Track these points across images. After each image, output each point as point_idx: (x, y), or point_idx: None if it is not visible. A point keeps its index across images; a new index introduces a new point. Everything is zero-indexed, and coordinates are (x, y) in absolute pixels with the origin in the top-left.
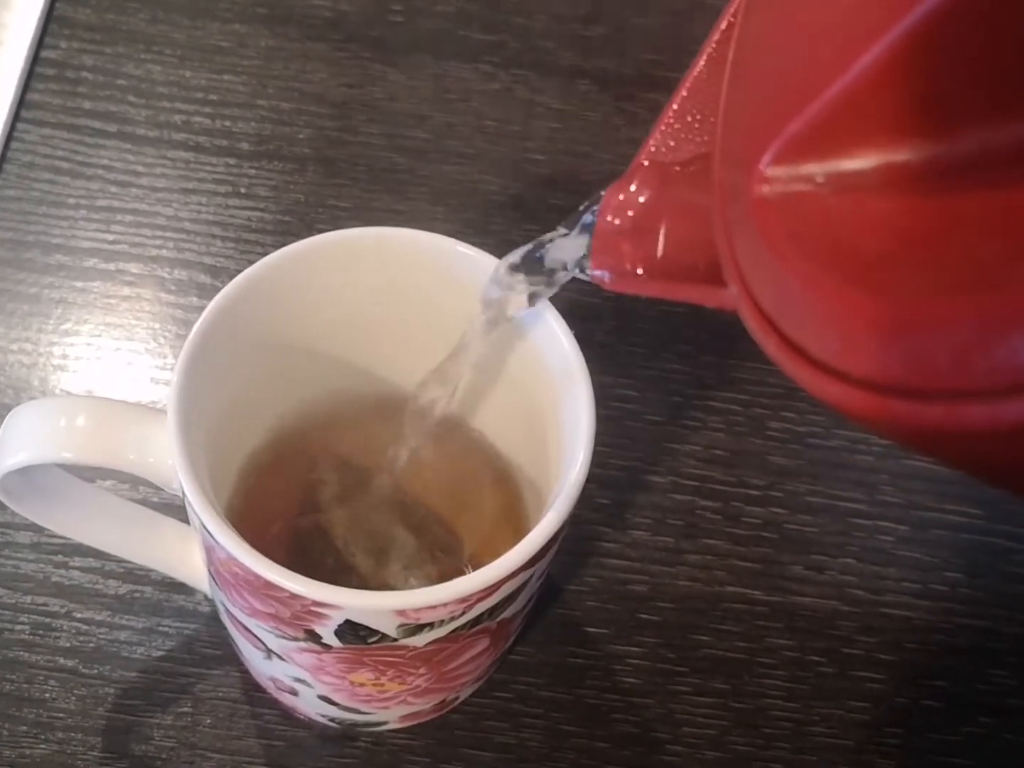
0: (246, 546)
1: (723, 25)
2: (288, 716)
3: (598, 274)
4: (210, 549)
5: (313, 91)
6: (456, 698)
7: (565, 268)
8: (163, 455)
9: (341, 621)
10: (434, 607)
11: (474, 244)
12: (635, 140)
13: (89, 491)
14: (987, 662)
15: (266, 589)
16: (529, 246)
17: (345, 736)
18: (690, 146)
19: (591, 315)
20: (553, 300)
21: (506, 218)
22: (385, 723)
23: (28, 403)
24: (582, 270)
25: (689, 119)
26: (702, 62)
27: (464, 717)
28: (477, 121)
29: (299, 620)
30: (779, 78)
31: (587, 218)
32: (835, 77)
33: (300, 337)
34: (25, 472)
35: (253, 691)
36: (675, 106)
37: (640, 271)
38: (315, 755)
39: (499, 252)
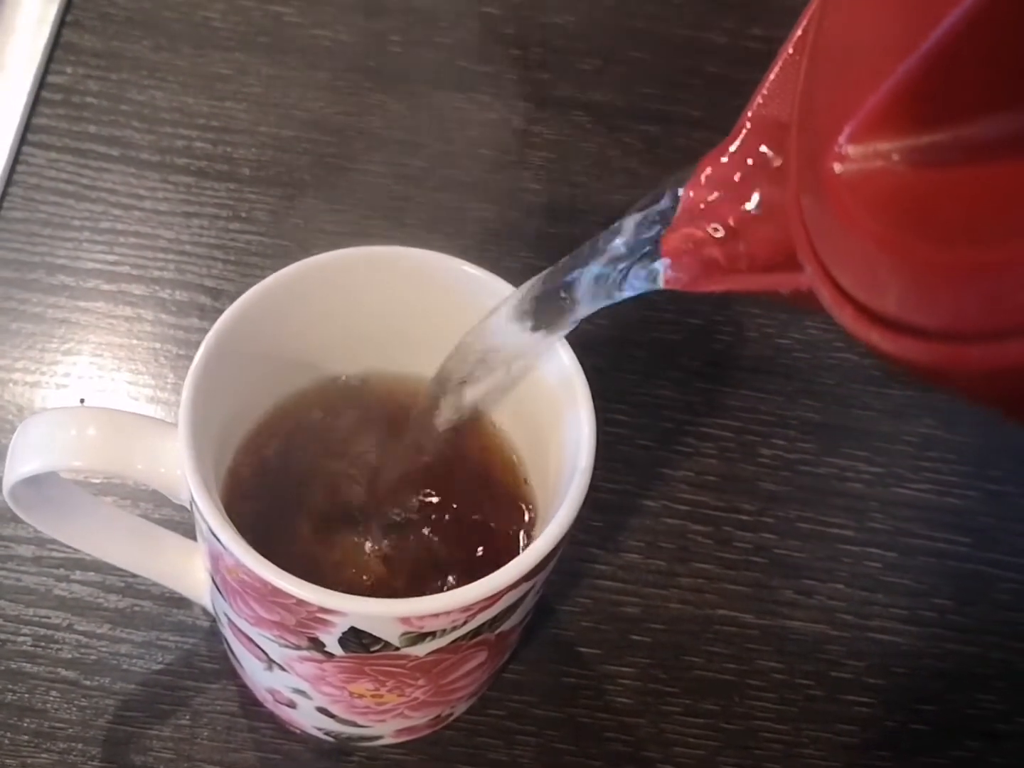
0: (254, 552)
1: (798, 32)
2: (284, 730)
3: (667, 270)
4: (217, 557)
5: (313, 119)
6: (451, 714)
7: (618, 284)
8: (172, 465)
9: (346, 628)
10: (437, 615)
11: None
12: (629, 170)
13: (96, 504)
14: (975, 687)
15: (273, 596)
16: (554, 270)
17: (340, 751)
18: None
19: (584, 341)
20: None
21: (501, 246)
22: (380, 737)
23: (40, 413)
24: (648, 270)
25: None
26: (778, 66)
27: (458, 734)
28: (473, 150)
29: (304, 628)
30: (854, 60)
31: (660, 206)
32: (906, 58)
33: (302, 352)
34: (35, 481)
35: (250, 705)
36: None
37: (723, 260)
38: None
39: None
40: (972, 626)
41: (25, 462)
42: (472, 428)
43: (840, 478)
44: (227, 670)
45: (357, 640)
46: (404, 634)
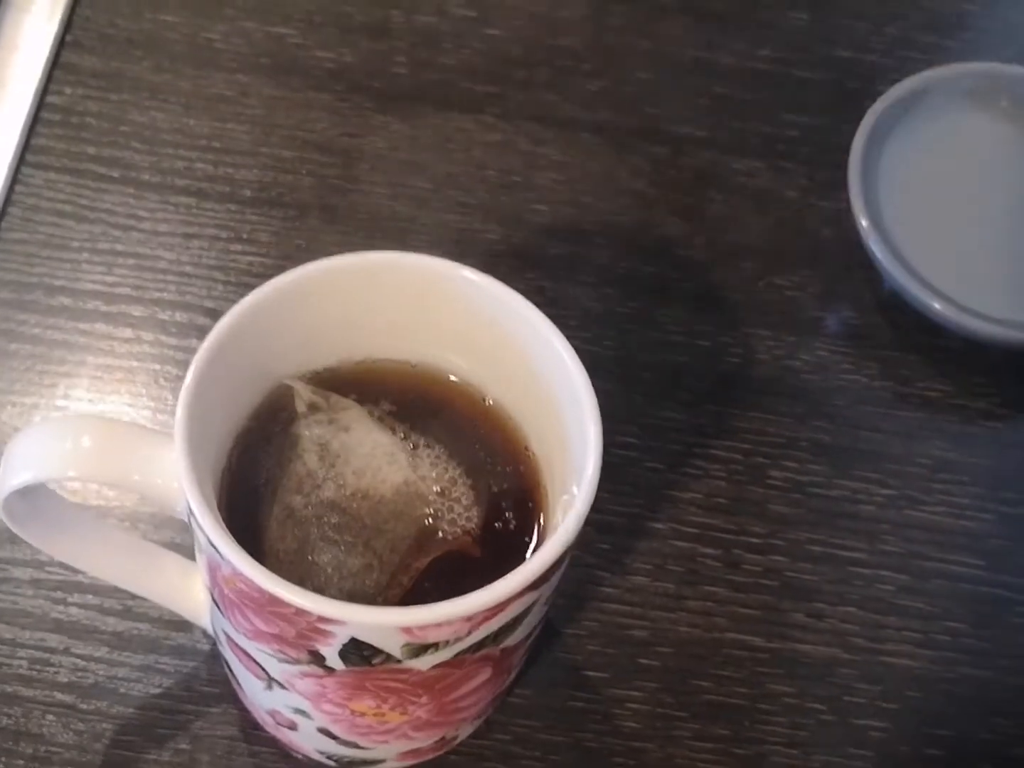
0: (251, 560)
1: None
2: (285, 754)
3: None
4: (215, 568)
5: (315, 140)
6: (455, 737)
7: None
8: (169, 476)
9: (346, 640)
10: (440, 625)
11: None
12: (636, 191)
13: (92, 520)
14: (990, 711)
15: (271, 605)
16: None
17: None
18: None
19: (591, 363)
20: None
21: (507, 267)
22: (383, 761)
23: (34, 423)
24: None
25: None
26: None
27: (462, 758)
28: (478, 171)
29: (303, 639)
30: None
31: None
32: None
33: (299, 363)
34: (30, 493)
35: (251, 729)
36: None
37: None
38: None
39: None
40: (986, 650)
41: (18, 473)
42: (465, 406)
43: (852, 500)
44: (227, 693)
45: (358, 652)
46: (406, 645)
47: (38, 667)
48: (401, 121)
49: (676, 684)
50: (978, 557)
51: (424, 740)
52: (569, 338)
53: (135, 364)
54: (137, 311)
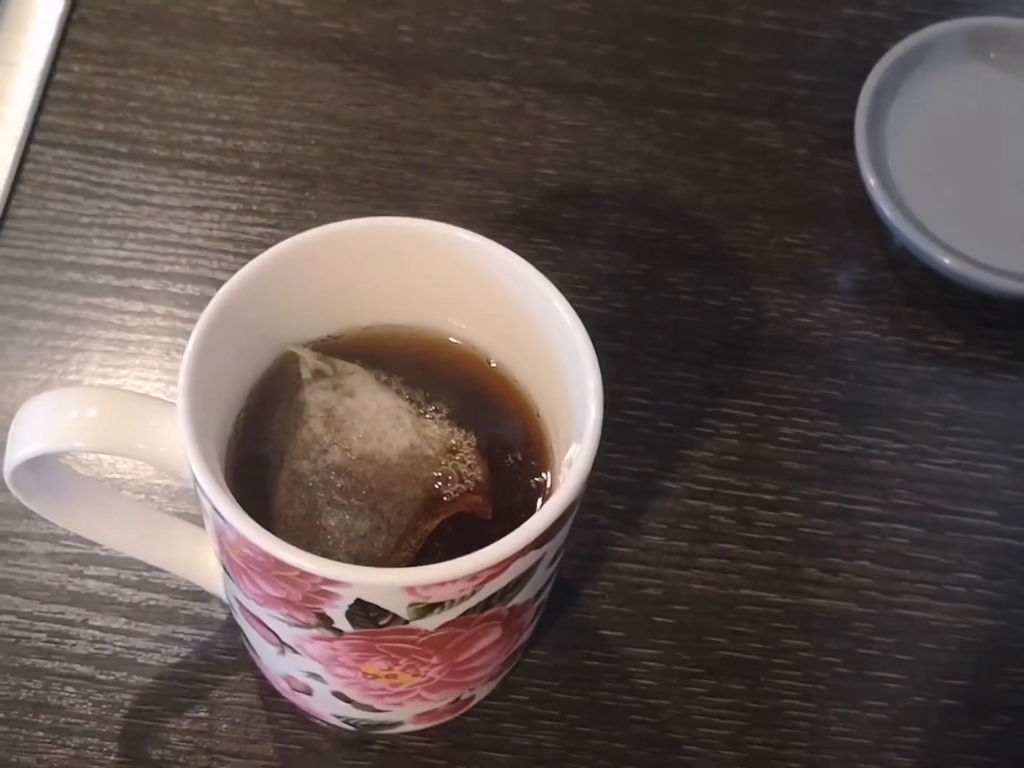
0: (255, 525)
1: None
2: (304, 720)
3: None
4: (221, 534)
5: (323, 110)
6: (471, 697)
7: None
8: (174, 444)
9: (352, 601)
10: (444, 584)
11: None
12: (645, 154)
13: (101, 489)
14: (1005, 661)
15: (277, 570)
16: None
17: (361, 739)
18: None
19: (603, 326)
20: None
21: (517, 232)
22: (400, 723)
23: (39, 395)
24: None
25: None
26: None
27: (480, 719)
28: (487, 138)
29: (310, 603)
30: None
31: None
32: None
33: (303, 330)
34: (37, 465)
35: (269, 696)
36: None
37: None
38: (331, 759)
39: None
40: (1001, 600)
41: (25, 445)
42: (470, 369)
43: (864, 455)
44: (245, 662)
45: (364, 614)
46: (412, 605)
47: (56, 640)
48: (409, 90)
49: (691, 641)
50: (991, 508)
51: (439, 701)
52: (580, 301)
53: (147, 337)
54: (148, 284)
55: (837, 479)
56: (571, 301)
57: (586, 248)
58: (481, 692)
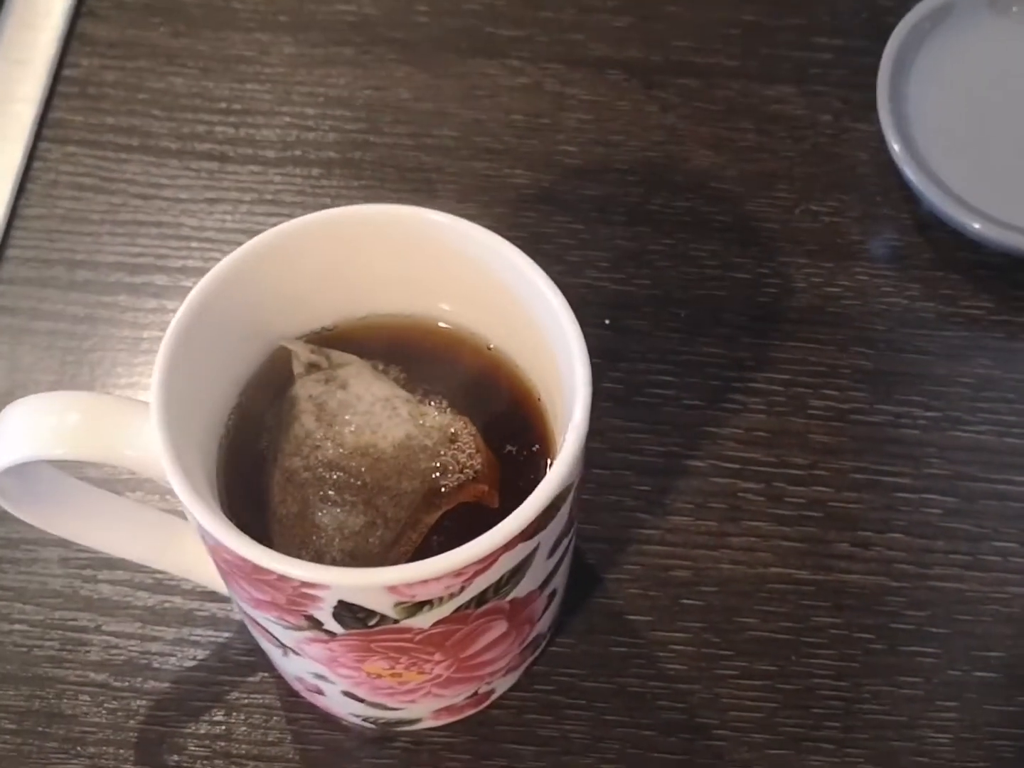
0: (232, 528)
1: None
2: (325, 720)
3: None
4: (204, 539)
5: (338, 95)
6: (492, 691)
7: None
8: (154, 448)
9: (335, 603)
10: (427, 582)
11: (506, 239)
12: (667, 126)
13: (93, 493)
14: None
15: (256, 574)
16: None
17: (383, 737)
18: None
19: (626, 303)
20: (586, 291)
21: (538, 211)
22: (419, 720)
23: (17, 401)
24: None
25: None
26: None
27: (505, 712)
28: (505, 116)
29: (296, 605)
30: None
31: None
32: None
33: (295, 324)
34: (20, 472)
35: (288, 696)
36: None
37: None
38: (353, 758)
39: (532, 246)
40: None
41: (3, 453)
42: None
43: (895, 425)
44: (263, 662)
45: (351, 615)
46: (398, 604)
47: (69, 647)
48: (424, 71)
49: (720, 623)
50: None
51: (454, 697)
52: (602, 279)
53: (160, 334)
54: (161, 280)
55: (867, 451)
56: (593, 279)
57: (608, 225)
58: (502, 685)
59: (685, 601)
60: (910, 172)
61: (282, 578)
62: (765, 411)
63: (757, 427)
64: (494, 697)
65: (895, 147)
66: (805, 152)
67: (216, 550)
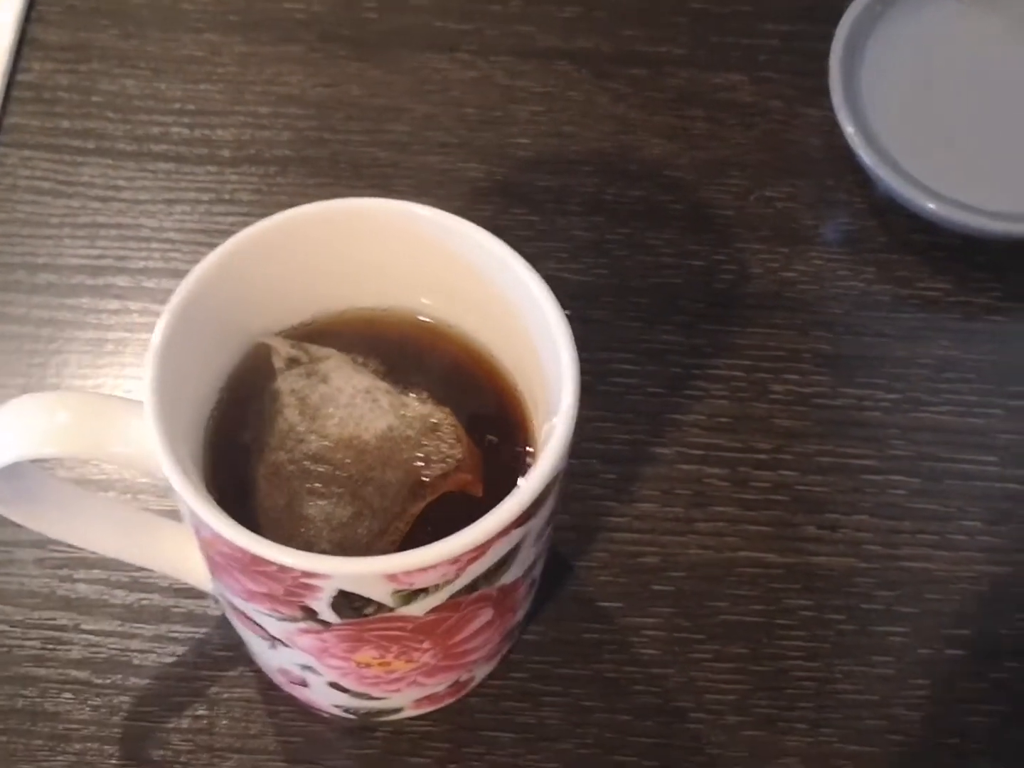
0: (230, 521)
1: None
2: (305, 712)
3: None
4: (198, 532)
5: (290, 93)
6: (471, 679)
7: None
8: (147, 445)
9: (334, 592)
10: (425, 569)
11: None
12: (618, 116)
13: (81, 494)
14: (1010, 607)
15: (254, 565)
16: None
17: (363, 728)
18: None
19: (585, 293)
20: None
21: (494, 204)
22: (400, 709)
23: (8, 401)
24: None
25: None
26: None
27: (482, 700)
28: (458, 110)
29: (293, 596)
30: None
31: None
32: None
33: (275, 319)
34: (9, 473)
35: (268, 689)
36: None
37: None
38: (334, 748)
39: None
40: (1003, 546)
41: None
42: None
43: (858, 408)
44: (242, 657)
45: (349, 604)
46: (396, 592)
47: (50, 646)
48: (376, 67)
49: (691, 607)
50: (989, 453)
51: (437, 685)
52: (560, 270)
53: (125, 335)
54: (123, 281)
55: (831, 434)
56: (551, 270)
57: (564, 216)
58: (480, 672)
59: (655, 587)
60: (865, 155)
61: (282, 569)
62: (728, 397)
63: (720, 413)
64: (472, 685)
65: (849, 130)
66: (757, 139)
67: (212, 543)
